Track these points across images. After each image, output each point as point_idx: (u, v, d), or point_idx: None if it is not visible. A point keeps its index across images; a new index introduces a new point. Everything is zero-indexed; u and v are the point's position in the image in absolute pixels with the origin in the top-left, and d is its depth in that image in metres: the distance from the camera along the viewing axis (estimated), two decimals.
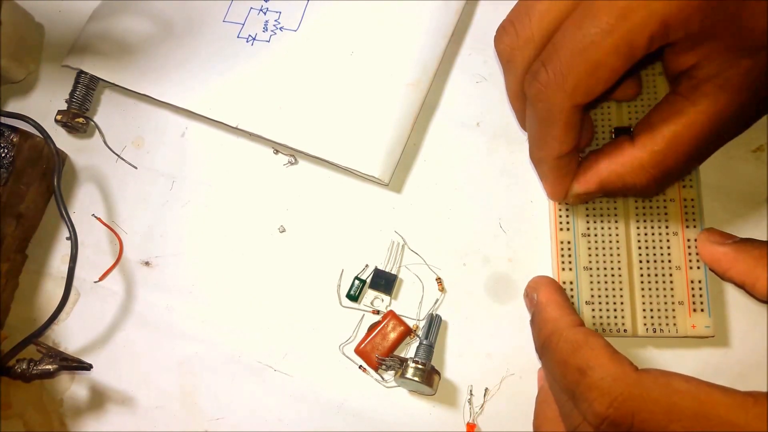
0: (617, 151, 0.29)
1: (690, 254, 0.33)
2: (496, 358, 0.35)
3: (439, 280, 0.36)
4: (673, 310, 0.32)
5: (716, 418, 0.23)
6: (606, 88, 0.26)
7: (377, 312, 0.37)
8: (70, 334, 0.40)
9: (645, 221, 0.33)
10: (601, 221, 0.34)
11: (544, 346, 0.29)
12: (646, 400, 0.24)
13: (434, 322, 0.35)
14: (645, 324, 0.32)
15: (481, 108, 0.39)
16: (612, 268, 0.33)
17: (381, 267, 0.37)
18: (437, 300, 0.36)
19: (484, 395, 0.35)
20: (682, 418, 0.23)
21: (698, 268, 0.32)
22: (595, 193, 0.31)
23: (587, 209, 0.34)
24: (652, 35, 0.25)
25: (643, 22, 0.24)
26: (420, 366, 0.33)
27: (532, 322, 0.31)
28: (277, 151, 0.41)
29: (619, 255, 0.33)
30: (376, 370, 0.36)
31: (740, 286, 0.31)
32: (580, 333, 0.28)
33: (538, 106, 0.28)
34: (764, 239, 0.32)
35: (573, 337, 0.28)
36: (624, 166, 0.29)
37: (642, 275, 0.33)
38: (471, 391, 0.35)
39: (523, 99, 0.30)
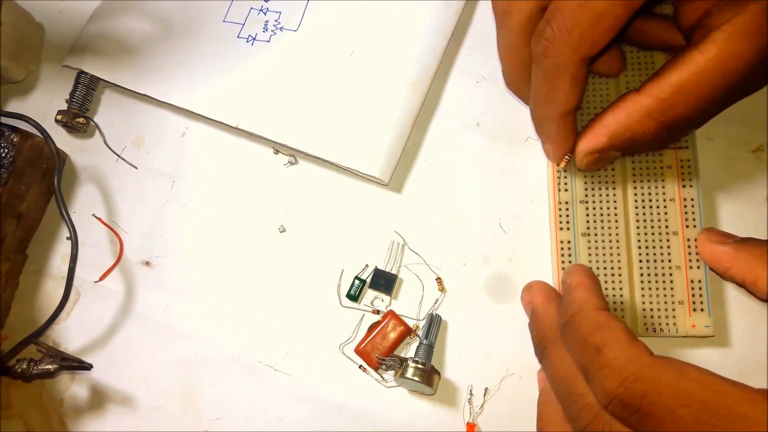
0: (623, 103, 0.29)
1: (690, 254, 0.33)
2: (496, 358, 0.35)
3: (439, 280, 0.36)
4: (673, 309, 0.32)
5: (725, 408, 0.23)
6: (611, 38, 0.27)
7: (377, 312, 0.37)
8: (70, 334, 0.40)
9: (645, 221, 0.33)
10: (601, 220, 0.34)
11: (567, 325, 0.29)
12: (657, 383, 0.24)
13: (434, 322, 0.35)
14: (645, 323, 0.32)
15: (481, 108, 0.39)
16: (612, 268, 0.33)
17: (381, 267, 0.37)
18: (437, 300, 0.36)
19: (484, 395, 0.35)
20: (692, 404, 0.23)
21: (698, 267, 0.32)
22: (605, 149, 0.30)
23: (587, 208, 0.34)
24: None
25: None
26: (420, 366, 0.33)
27: (562, 302, 0.31)
28: (277, 151, 0.41)
29: (619, 254, 0.33)
30: (376, 369, 0.36)
31: (741, 285, 0.31)
32: (603, 315, 0.28)
33: (545, 62, 0.28)
34: (764, 239, 0.32)
35: (596, 317, 0.28)
36: (631, 115, 0.29)
37: (642, 275, 0.33)
38: (471, 391, 0.35)
39: (517, 52, 0.30)
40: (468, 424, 0.34)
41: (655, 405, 0.24)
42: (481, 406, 0.34)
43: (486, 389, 0.35)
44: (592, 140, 0.30)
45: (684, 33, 0.30)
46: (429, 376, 0.33)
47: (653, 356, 0.25)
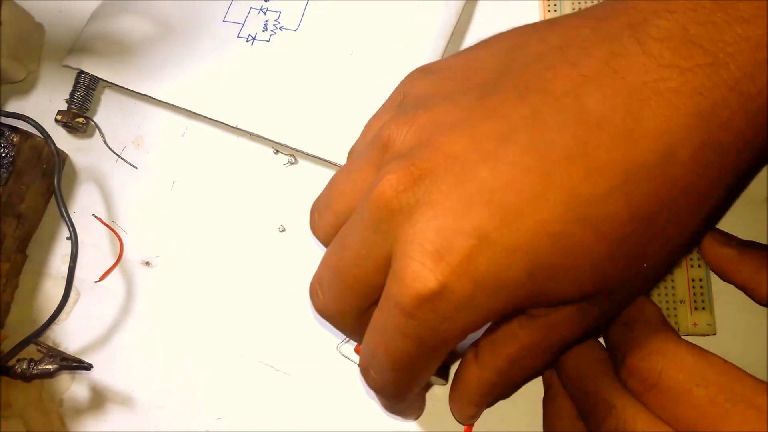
0: (468, 378, 0.29)
1: (691, 252, 0.32)
2: None
3: None
4: (675, 308, 0.32)
5: (742, 395, 0.23)
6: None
7: None
8: (70, 334, 0.40)
9: None
10: None
11: None
12: (678, 361, 0.24)
13: None
14: None
15: None
16: None
17: None
18: None
19: None
20: (709, 386, 0.23)
21: (699, 266, 0.32)
22: (479, 412, 0.31)
23: None
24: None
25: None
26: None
27: None
28: (277, 151, 0.41)
29: None
30: None
31: (741, 289, 0.31)
32: (640, 299, 0.29)
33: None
34: (764, 240, 0.32)
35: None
36: (480, 388, 0.28)
37: None
38: None
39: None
40: (466, 426, 0.34)
41: (673, 381, 0.24)
42: None
43: None
44: (461, 411, 0.30)
45: None
46: (441, 370, 0.33)
47: (680, 339, 0.26)
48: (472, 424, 0.34)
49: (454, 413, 0.31)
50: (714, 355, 0.25)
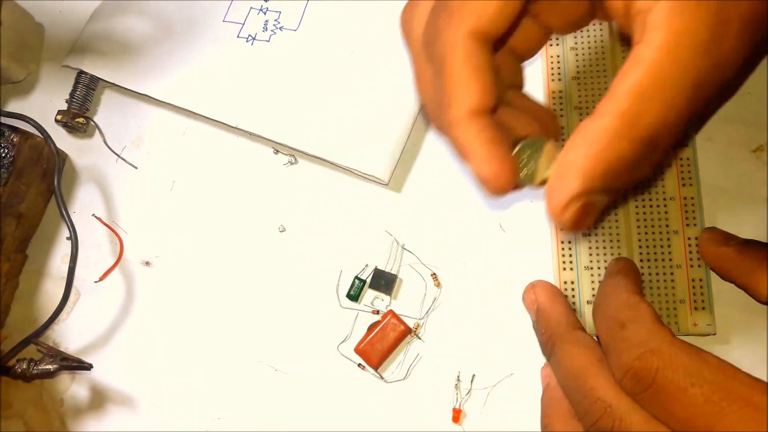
0: (581, 134, 0.22)
1: (691, 252, 0.32)
2: (496, 358, 0.35)
3: (434, 276, 0.36)
4: (675, 308, 0.32)
5: (737, 394, 0.23)
6: (507, 13, 0.22)
7: (377, 312, 0.37)
8: (70, 334, 0.40)
9: (645, 220, 0.33)
10: (602, 220, 0.34)
11: (598, 304, 0.30)
12: (673, 360, 0.24)
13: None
14: None
15: None
16: None
17: (381, 267, 0.37)
18: (435, 299, 0.36)
19: (486, 397, 0.34)
20: (704, 385, 0.23)
21: (699, 266, 0.32)
22: (582, 193, 0.22)
23: None
24: None
25: None
26: None
27: (600, 286, 0.31)
28: (277, 151, 0.41)
29: (620, 254, 0.33)
30: (375, 368, 0.35)
31: (741, 287, 0.31)
32: (633, 297, 0.28)
33: (435, 48, 0.23)
34: (764, 239, 0.32)
35: (626, 298, 0.28)
36: (596, 143, 0.22)
37: (643, 274, 0.33)
38: (470, 392, 0.35)
39: (426, 69, 0.25)
40: (454, 409, 0.34)
41: (668, 381, 0.24)
42: (484, 404, 0.34)
43: (485, 388, 0.35)
44: (561, 189, 0.23)
45: (626, 35, 0.25)
46: None
47: (674, 337, 0.25)
48: (461, 410, 0.34)
49: (548, 198, 0.23)
50: (709, 353, 0.25)
